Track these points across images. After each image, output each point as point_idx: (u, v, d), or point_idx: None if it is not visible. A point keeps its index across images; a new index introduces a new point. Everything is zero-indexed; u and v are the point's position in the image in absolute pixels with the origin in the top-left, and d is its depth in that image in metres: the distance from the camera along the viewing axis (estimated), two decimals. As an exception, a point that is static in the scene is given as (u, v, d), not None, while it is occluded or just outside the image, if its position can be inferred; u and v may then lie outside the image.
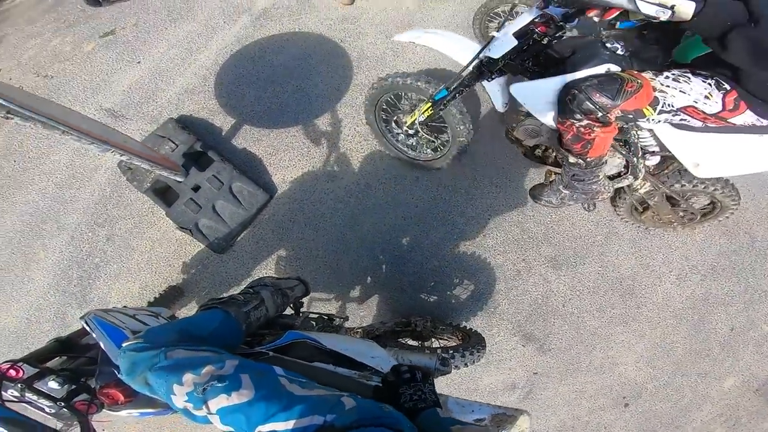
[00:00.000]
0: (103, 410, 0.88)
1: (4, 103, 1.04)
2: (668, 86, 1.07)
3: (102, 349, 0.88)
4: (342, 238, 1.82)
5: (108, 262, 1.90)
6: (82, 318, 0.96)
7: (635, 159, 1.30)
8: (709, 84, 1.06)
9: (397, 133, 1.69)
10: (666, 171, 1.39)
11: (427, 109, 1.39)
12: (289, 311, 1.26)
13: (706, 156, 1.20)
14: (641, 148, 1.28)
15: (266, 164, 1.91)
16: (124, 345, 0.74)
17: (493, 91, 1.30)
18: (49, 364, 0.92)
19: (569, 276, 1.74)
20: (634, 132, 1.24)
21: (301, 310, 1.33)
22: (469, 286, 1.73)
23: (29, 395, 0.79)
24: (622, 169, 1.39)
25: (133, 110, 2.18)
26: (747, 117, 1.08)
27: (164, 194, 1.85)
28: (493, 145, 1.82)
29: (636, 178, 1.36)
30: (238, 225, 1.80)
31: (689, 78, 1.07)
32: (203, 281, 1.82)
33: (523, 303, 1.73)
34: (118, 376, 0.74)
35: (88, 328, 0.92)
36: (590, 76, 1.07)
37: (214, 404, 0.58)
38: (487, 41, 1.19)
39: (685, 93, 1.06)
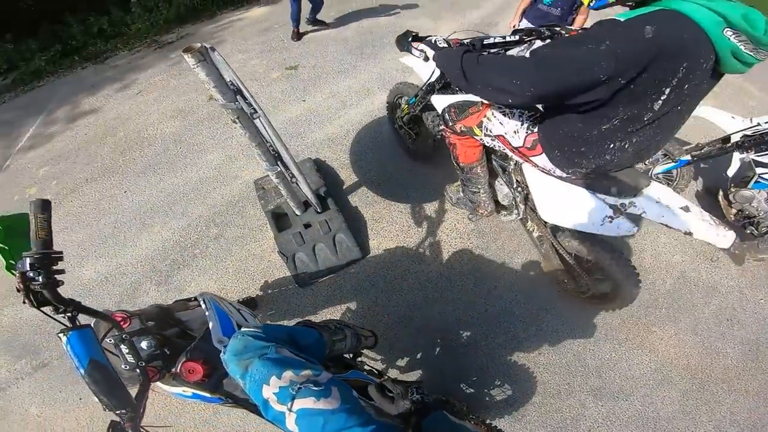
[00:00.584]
0: (158, 382, 0.94)
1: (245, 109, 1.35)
2: (494, 116, 1.31)
3: (208, 328, 0.96)
4: (409, 314, 1.89)
5: (204, 257, 2.17)
6: (200, 296, 1.08)
7: (515, 194, 1.53)
8: (522, 122, 1.23)
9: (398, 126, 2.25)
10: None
11: (405, 109, 1.96)
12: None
13: (548, 198, 1.32)
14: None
15: (369, 228, 2.11)
16: (243, 329, 0.81)
17: (434, 100, 1.67)
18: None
19: (607, 407, 1.64)
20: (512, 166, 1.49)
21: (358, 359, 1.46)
22: (507, 390, 1.71)
23: (123, 347, 0.84)
24: (512, 202, 1.61)
25: (284, 141, 2.61)
26: (542, 160, 1.19)
27: (279, 220, 2.13)
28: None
29: (516, 213, 1.61)
30: (327, 269, 1.98)
31: (513, 113, 1.26)
32: (276, 303, 2.02)
33: (553, 419, 1.64)
34: (221, 356, 0.78)
35: (204, 306, 1.02)
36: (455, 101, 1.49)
37: (299, 404, 0.62)
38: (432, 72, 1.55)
39: (502, 125, 1.28)
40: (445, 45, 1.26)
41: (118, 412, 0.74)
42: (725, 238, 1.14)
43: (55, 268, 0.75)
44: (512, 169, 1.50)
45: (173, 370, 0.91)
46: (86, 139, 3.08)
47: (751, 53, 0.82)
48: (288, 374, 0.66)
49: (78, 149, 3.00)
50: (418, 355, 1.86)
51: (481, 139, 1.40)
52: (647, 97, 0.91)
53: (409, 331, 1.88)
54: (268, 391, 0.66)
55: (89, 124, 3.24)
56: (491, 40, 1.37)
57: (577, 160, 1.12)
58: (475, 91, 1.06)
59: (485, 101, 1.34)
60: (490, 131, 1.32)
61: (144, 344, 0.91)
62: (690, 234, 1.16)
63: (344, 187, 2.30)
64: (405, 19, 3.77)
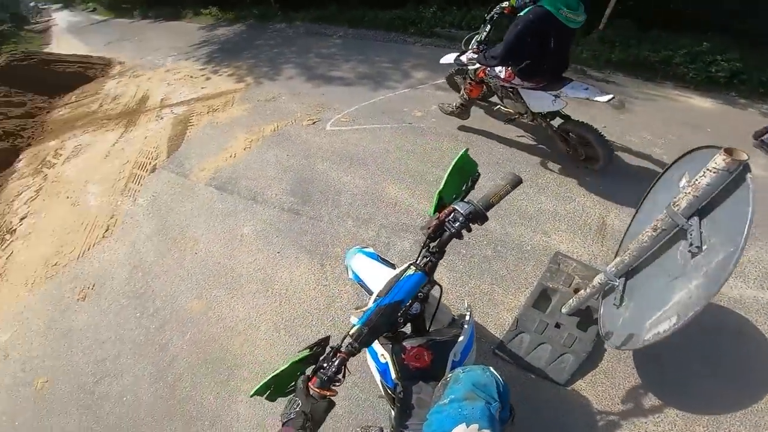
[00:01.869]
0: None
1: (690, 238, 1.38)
2: (491, 69, 2.79)
3: (448, 335, 1.05)
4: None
5: (470, 273, 2.46)
6: (468, 310, 1.15)
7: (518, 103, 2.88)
8: (502, 68, 2.72)
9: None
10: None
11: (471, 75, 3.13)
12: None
13: (529, 99, 2.73)
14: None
15: (594, 370, 1.80)
16: (493, 370, 0.85)
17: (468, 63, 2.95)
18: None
19: None
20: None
21: None
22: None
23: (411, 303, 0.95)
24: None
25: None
26: (516, 81, 2.67)
27: (541, 297, 2.11)
28: None
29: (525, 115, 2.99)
30: (527, 364, 1.89)
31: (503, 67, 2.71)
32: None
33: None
34: (457, 370, 0.84)
35: (466, 319, 1.10)
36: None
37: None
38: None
39: (495, 70, 2.77)
40: (473, 54, 2.83)
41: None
42: (607, 96, 2.40)
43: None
44: (505, 93, 2.95)
45: (403, 343, 1.01)
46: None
47: (572, 18, 2.23)
48: None
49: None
50: None
51: (486, 80, 2.98)
52: (546, 43, 2.35)
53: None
54: (459, 430, 0.67)
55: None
56: (483, 35, 2.88)
57: (530, 76, 2.60)
58: (491, 64, 2.62)
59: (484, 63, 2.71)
60: (493, 72, 2.80)
61: (415, 306, 0.99)
62: (592, 100, 2.45)
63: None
64: None
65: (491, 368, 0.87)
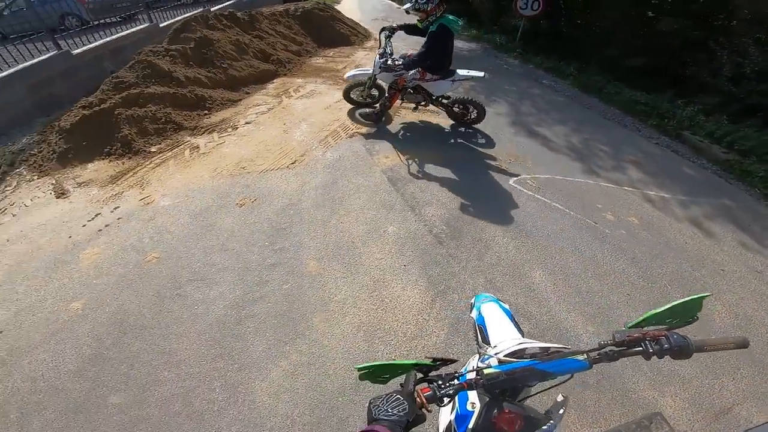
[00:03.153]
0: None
1: None
2: (410, 73, 4.16)
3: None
4: None
5: None
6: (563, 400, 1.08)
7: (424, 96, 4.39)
8: (417, 70, 4.10)
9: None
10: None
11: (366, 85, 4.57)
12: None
13: (432, 87, 4.26)
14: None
15: None
16: None
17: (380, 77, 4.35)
18: None
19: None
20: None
21: None
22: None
23: None
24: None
25: None
26: (428, 75, 4.12)
27: None
28: None
29: (425, 103, 4.53)
30: None
31: (415, 70, 4.11)
32: None
33: None
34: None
35: (557, 411, 1.03)
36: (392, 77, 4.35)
37: None
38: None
39: (413, 73, 4.12)
40: (400, 60, 4.07)
41: None
42: (480, 72, 4.22)
43: None
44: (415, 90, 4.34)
45: (504, 403, 0.98)
46: None
47: (457, 27, 3.77)
48: None
49: None
50: None
51: (404, 85, 4.26)
52: (448, 47, 3.94)
53: None
54: None
55: None
56: (389, 49, 4.21)
57: (436, 71, 4.07)
58: (413, 67, 4.02)
59: (404, 71, 4.08)
60: (410, 78, 4.15)
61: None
62: (473, 77, 4.20)
63: None
64: None
65: None
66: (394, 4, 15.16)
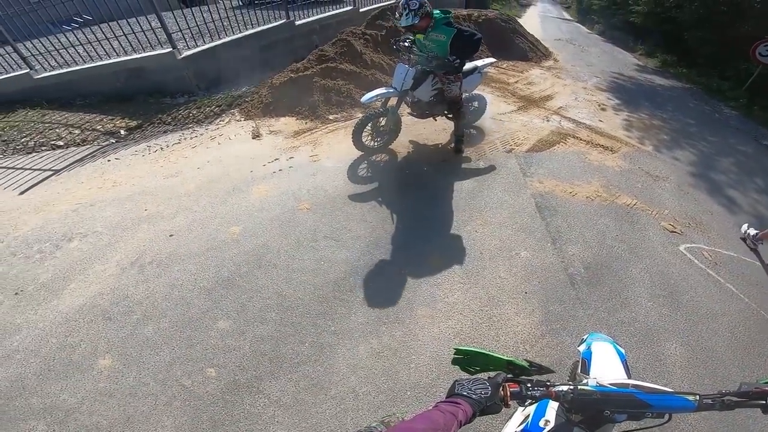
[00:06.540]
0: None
1: None
2: (448, 79, 3.48)
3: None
4: None
5: None
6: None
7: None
8: (453, 75, 3.45)
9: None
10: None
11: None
12: None
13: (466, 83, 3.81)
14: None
15: None
16: None
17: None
18: None
19: None
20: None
21: None
22: None
23: None
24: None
25: None
26: (463, 77, 3.61)
27: None
28: None
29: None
30: None
31: (453, 76, 3.47)
32: None
33: None
34: None
35: None
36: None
37: None
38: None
39: (451, 79, 3.47)
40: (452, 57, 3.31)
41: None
42: (492, 60, 4.46)
43: None
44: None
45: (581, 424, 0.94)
46: None
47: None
48: None
49: None
50: None
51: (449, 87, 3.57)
52: None
53: None
54: None
55: None
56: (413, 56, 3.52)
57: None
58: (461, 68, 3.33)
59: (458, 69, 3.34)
60: (449, 81, 3.48)
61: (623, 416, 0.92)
62: (493, 65, 5.20)
63: None
64: None
65: None
66: (582, 27, 13.88)
